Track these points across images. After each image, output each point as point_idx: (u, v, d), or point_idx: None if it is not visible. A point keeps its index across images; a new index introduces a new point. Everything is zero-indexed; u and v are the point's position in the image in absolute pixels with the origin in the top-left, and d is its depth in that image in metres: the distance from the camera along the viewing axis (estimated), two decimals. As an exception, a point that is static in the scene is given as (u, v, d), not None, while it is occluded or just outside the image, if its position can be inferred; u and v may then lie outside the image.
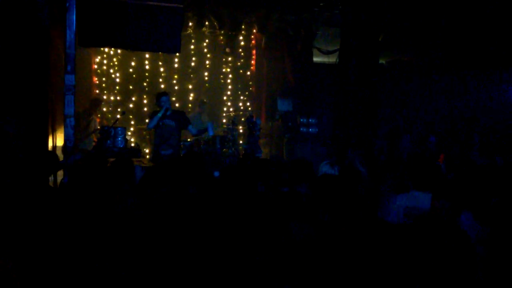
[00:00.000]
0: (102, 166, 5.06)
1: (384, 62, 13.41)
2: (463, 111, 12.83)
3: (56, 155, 5.55)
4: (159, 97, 8.99)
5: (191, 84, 13.03)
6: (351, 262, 3.26)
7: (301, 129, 12.14)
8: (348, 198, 4.07)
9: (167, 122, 9.01)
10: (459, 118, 12.35)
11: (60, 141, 9.27)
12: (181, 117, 9.21)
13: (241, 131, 12.74)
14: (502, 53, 11.08)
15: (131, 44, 8.54)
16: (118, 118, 10.28)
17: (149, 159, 9.94)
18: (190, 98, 12.95)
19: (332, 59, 12.50)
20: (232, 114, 13.01)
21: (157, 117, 8.86)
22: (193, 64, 13.04)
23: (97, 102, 11.26)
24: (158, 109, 9.12)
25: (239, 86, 13.44)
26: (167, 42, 8.67)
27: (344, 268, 3.25)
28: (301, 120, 12.19)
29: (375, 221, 3.82)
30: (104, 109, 12.27)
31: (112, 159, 5.77)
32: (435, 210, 4.21)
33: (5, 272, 2.99)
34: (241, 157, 10.49)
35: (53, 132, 9.77)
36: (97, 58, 12.27)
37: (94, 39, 8.42)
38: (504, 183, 5.27)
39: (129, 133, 12.17)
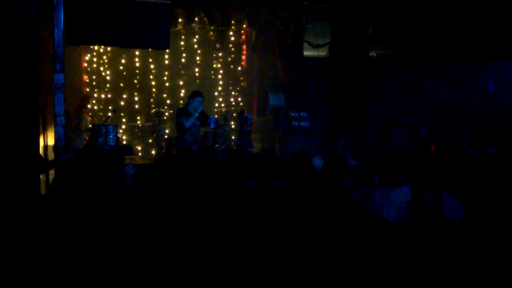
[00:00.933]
0: (93, 164, 5.06)
1: (374, 55, 13.42)
2: (453, 102, 12.85)
3: (41, 156, 5.53)
4: (195, 96, 8.90)
5: (182, 80, 13.01)
6: (329, 257, 3.27)
7: (293, 123, 12.13)
8: (328, 191, 4.09)
9: (196, 121, 9.00)
10: (449, 110, 12.38)
11: (51, 140, 9.25)
12: (203, 116, 9.17)
13: (233, 126, 12.73)
14: (491, 44, 11.10)
15: (120, 41, 8.50)
16: (109, 116, 10.26)
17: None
18: (182, 95, 12.93)
19: (322, 52, 12.52)
20: (223, 109, 13.01)
21: (194, 117, 8.81)
22: (183, 60, 13.01)
23: (86, 99, 11.22)
24: (184, 107, 9.10)
25: (230, 81, 13.42)
26: (156, 39, 8.63)
27: (324, 262, 3.26)
28: (293, 114, 12.18)
29: (358, 214, 3.83)
30: (95, 107, 12.23)
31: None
32: (421, 202, 4.20)
33: None
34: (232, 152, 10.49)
35: (44, 131, 9.75)
36: (87, 56, 12.22)
37: (82, 37, 8.38)
38: (496, 173, 5.30)
39: (121, 131, 12.14)
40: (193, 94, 8.97)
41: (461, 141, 10.57)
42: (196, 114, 8.86)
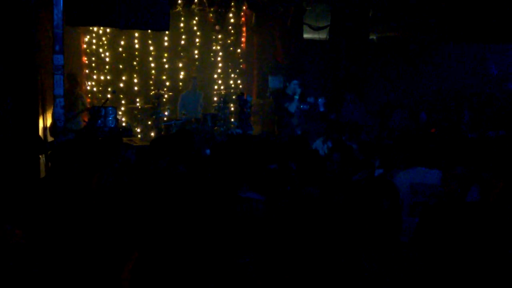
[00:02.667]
0: (92, 145, 5.06)
1: (374, 37, 13.36)
2: (454, 85, 12.85)
3: (40, 138, 5.53)
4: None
5: (181, 62, 12.96)
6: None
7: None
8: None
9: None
10: (449, 93, 12.38)
11: (51, 121, 9.23)
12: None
13: (232, 109, 12.71)
14: (492, 26, 11.06)
15: (119, 22, 8.42)
16: (108, 98, 10.23)
17: None
18: (181, 77, 12.89)
19: (322, 35, 12.47)
20: (223, 92, 12.99)
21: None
22: (183, 42, 12.95)
23: (73, 77, 10.90)
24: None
25: (230, 64, 13.37)
26: (156, 20, 8.56)
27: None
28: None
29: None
30: (94, 89, 12.20)
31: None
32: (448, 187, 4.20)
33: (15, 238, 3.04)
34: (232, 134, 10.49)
35: (44, 113, 9.73)
36: (86, 37, 12.15)
37: (81, 18, 8.31)
38: (496, 156, 5.31)
39: (120, 113, 12.12)
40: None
41: (461, 124, 10.58)
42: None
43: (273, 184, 4.32)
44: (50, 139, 8.74)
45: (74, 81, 10.80)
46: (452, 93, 12.22)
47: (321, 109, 10.76)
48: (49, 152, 7.81)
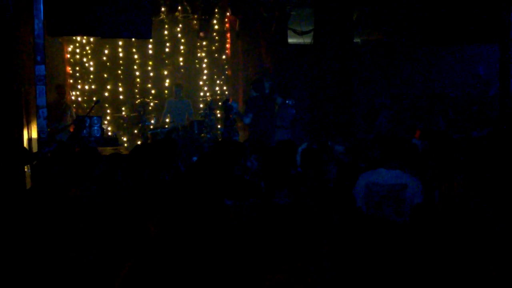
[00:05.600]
0: (71, 156, 5.01)
1: (359, 41, 13.39)
2: (437, 87, 12.92)
3: (25, 149, 5.47)
4: None
5: (167, 70, 12.93)
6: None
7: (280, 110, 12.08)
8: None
9: None
10: (432, 95, 12.44)
11: (36, 132, 9.16)
12: None
13: (218, 115, 12.68)
14: (473, 29, 11.13)
15: (101, 31, 8.39)
16: (93, 107, 10.15)
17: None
18: (166, 84, 12.85)
19: (307, 39, 12.47)
20: (208, 98, 12.95)
21: None
22: (167, 49, 12.92)
23: (61, 88, 10.90)
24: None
25: (215, 70, 13.35)
26: (138, 28, 8.53)
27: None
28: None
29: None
30: (79, 99, 12.13)
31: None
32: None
33: None
34: (219, 141, 10.46)
35: (28, 124, 9.65)
36: (69, 47, 12.10)
37: (62, 27, 8.26)
38: (478, 156, 5.32)
39: (106, 122, 12.06)
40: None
41: (446, 126, 10.62)
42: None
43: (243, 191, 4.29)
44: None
45: (62, 92, 10.79)
46: (437, 95, 12.27)
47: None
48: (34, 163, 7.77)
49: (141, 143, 10.71)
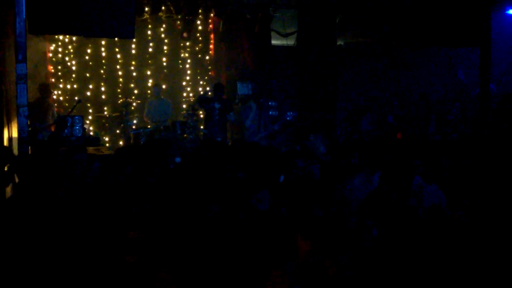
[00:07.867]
0: (53, 156, 4.97)
1: (342, 43, 13.46)
2: (419, 89, 13.02)
3: (6, 148, 5.42)
4: None
5: (149, 70, 12.87)
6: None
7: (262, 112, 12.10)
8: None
9: None
10: (415, 97, 12.54)
11: (16, 132, 9.08)
12: None
13: (201, 116, 12.65)
14: (454, 32, 11.24)
15: (84, 30, 8.31)
16: (74, 106, 10.09)
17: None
18: (149, 84, 12.79)
19: (290, 41, 12.51)
20: (191, 99, 12.92)
21: None
22: (150, 50, 12.87)
23: (45, 87, 10.86)
24: None
25: (198, 71, 13.31)
26: (121, 28, 8.46)
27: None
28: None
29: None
30: (61, 98, 12.04)
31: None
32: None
33: None
34: (202, 142, 10.45)
35: (9, 124, 9.56)
36: (52, 46, 12.00)
37: (45, 26, 8.18)
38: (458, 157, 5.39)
39: (88, 122, 11.98)
40: None
41: (428, 128, 10.71)
42: None
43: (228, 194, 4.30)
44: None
45: (46, 91, 10.73)
46: (419, 98, 12.36)
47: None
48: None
49: (128, 145, 10.67)
